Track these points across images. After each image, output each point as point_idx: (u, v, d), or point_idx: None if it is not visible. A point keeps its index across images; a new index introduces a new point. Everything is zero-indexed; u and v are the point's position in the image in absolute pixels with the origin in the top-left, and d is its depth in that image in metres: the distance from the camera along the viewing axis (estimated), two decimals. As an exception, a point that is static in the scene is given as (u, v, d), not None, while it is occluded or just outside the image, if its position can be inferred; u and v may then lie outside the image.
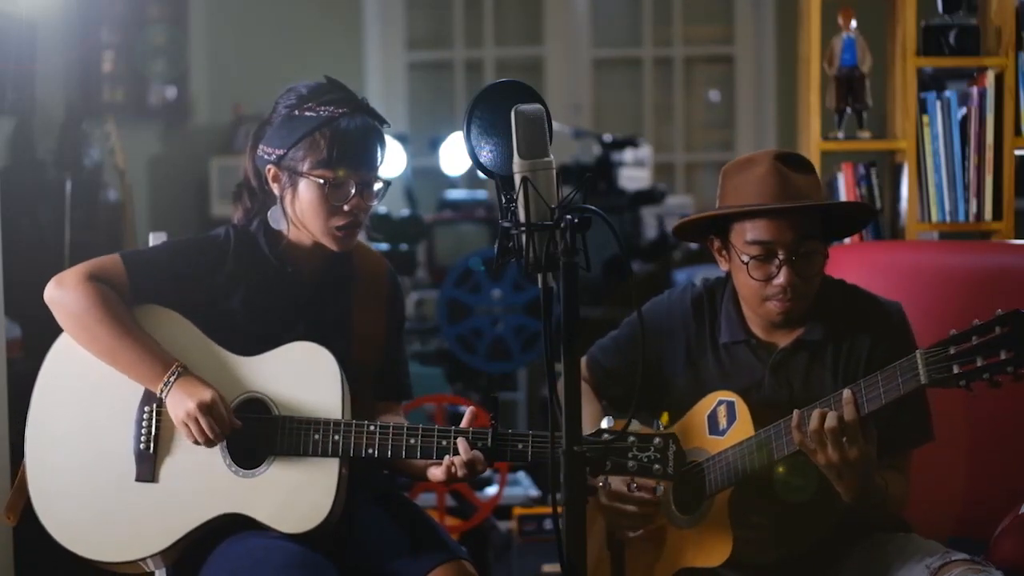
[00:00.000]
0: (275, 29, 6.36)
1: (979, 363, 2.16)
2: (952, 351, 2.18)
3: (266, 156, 2.46)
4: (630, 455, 2.23)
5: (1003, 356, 2.14)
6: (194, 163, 5.99)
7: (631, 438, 2.23)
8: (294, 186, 2.43)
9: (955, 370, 2.18)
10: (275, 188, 2.46)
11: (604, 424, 2.26)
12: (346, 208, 2.42)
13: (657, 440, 2.24)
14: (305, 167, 2.41)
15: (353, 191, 2.41)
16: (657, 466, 2.24)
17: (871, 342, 2.48)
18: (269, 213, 2.49)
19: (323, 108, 2.41)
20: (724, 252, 2.51)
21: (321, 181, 2.40)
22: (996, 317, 2.16)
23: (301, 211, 2.44)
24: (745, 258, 2.44)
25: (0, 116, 4.59)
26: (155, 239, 2.66)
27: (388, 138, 2.51)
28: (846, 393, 2.28)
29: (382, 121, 2.47)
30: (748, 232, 2.43)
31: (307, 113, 2.41)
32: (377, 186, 2.46)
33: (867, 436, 2.27)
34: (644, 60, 6.72)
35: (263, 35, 6.33)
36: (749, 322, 2.53)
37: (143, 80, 5.71)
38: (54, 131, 4.93)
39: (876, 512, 2.42)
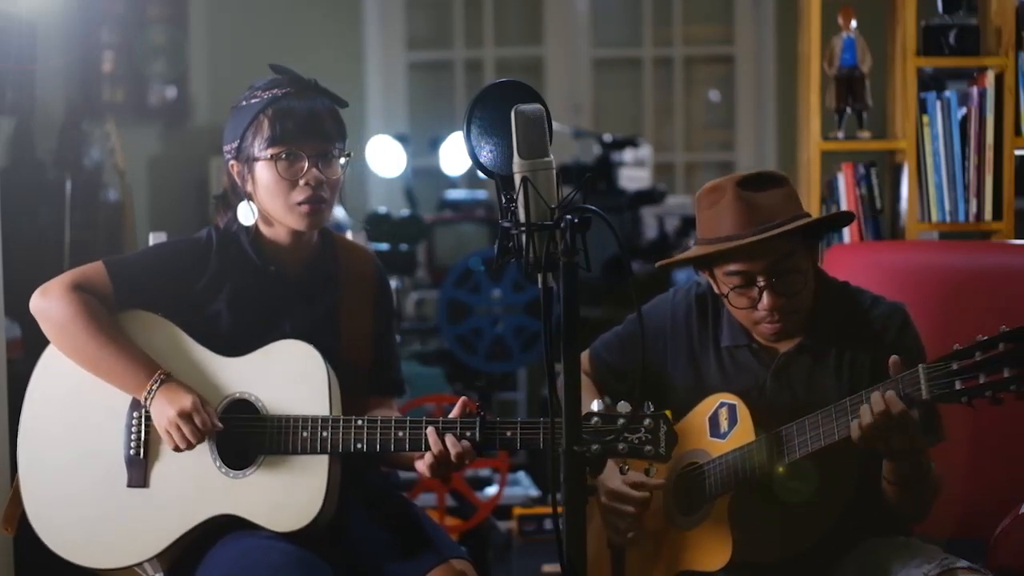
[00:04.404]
0: (275, 29, 6.36)
1: (982, 380, 2.13)
2: (955, 366, 2.15)
3: (227, 155, 2.46)
4: (620, 437, 2.19)
5: (1006, 374, 2.11)
6: (194, 163, 5.98)
7: (620, 420, 2.17)
8: (252, 173, 2.42)
9: (957, 386, 2.15)
10: (240, 182, 2.45)
11: (594, 407, 2.20)
12: (302, 182, 2.39)
13: (647, 421, 2.19)
14: (256, 150, 2.40)
15: (307, 164, 2.39)
16: (648, 447, 2.19)
17: (874, 346, 2.46)
18: (237, 211, 2.46)
19: (266, 92, 2.41)
20: (712, 279, 2.51)
21: (269, 156, 2.38)
22: (1000, 334, 2.13)
23: (262, 197, 2.42)
24: (726, 288, 2.44)
25: (0, 116, 4.58)
26: (155, 239, 2.66)
27: (341, 113, 2.46)
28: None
29: (337, 99, 2.46)
30: (724, 264, 2.43)
31: (252, 101, 2.41)
32: (341, 161, 2.44)
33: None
34: (644, 60, 6.71)
35: (263, 35, 6.32)
36: (749, 328, 2.53)
37: (143, 80, 5.70)
38: (54, 131, 4.92)
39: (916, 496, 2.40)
